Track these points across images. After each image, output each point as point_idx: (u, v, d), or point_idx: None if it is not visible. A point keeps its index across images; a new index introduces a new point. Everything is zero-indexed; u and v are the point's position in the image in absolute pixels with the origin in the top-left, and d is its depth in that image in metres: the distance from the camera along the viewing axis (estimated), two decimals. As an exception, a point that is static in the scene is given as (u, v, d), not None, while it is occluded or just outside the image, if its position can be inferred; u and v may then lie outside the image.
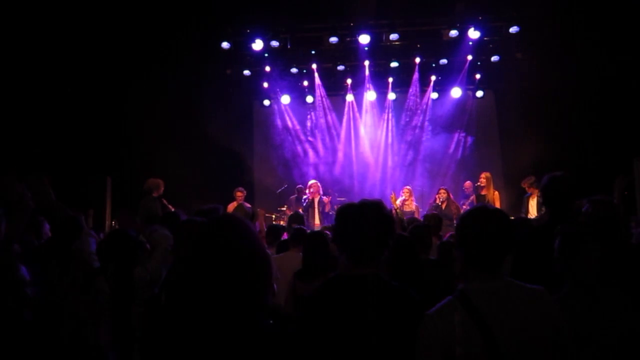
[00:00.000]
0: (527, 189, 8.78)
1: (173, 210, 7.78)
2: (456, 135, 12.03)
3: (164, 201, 8.08)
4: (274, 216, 10.14)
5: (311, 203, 9.36)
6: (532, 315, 1.82)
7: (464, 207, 9.16)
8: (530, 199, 8.68)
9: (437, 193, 9.07)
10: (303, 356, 2.00)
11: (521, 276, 2.00)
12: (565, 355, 1.83)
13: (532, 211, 8.48)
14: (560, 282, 2.31)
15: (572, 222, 2.64)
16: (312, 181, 9.74)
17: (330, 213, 9.24)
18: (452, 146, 12.01)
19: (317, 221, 9.10)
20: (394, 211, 7.79)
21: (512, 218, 3.17)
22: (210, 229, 1.66)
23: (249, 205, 9.50)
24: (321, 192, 9.57)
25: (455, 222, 8.27)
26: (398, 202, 9.16)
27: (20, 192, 2.89)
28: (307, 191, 9.54)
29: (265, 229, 6.29)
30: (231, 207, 9.54)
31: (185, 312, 1.58)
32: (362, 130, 12.28)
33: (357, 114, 12.29)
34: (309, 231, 4.91)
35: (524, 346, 1.78)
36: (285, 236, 5.96)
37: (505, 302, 1.83)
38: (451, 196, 9.05)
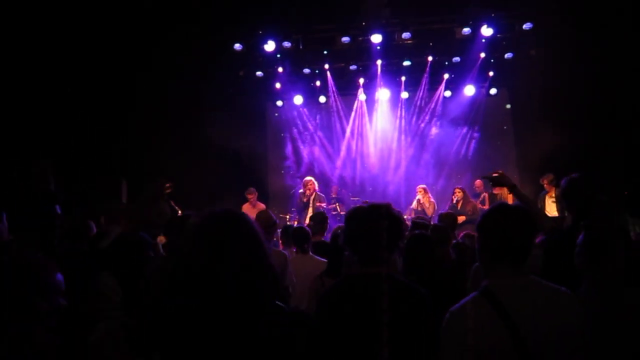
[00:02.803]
0: (545, 186, 8.71)
1: (180, 212, 7.87)
2: (470, 133, 11.97)
3: (172, 203, 8.14)
4: (288, 216, 10.16)
5: (308, 201, 9.28)
6: (556, 313, 1.82)
7: (477, 205, 9.13)
8: (548, 196, 8.61)
9: (453, 193, 9.04)
10: (316, 351, 2.05)
11: (549, 279, 1.99)
12: (586, 355, 1.82)
13: (549, 209, 8.41)
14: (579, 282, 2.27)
15: (596, 220, 2.59)
16: (307, 178, 9.66)
17: (325, 208, 9.14)
18: (466, 144, 11.95)
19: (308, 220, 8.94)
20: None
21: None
22: (206, 224, 1.63)
23: (262, 205, 9.53)
24: (317, 189, 9.50)
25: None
26: (414, 203, 9.19)
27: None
28: (303, 189, 9.43)
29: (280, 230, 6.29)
30: (245, 208, 9.56)
31: (183, 313, 1.55)
32: (375, 130, 12.27)
33: (370, 113, 12.28)
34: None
35: (548, 343, 1.78)
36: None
37: (530, 298, 1.84)
38: (468, 195, 9.02)
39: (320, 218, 5.68)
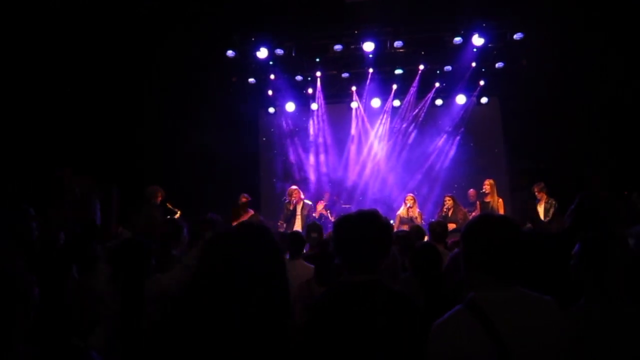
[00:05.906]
0: (536, 194, 8.77)
1: (179, 213, 7.84)
2: (461, 142, 12.01)
3: (169, 205, 8.08)
4: (278, 223, 10.12)
5: (294, 210, 9.25)
6: (542, 325, 1.81)
7: (469, 214, 9.14)
8: (538, 205, 8.66)
9: (443, 201, 9.06)
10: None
11: (535, 286, 1.97)
12: None
13: (541, 216, 8.46)
14: (575, 292, 2.21)
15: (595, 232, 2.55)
16: (292, 187, 9.61)
17: (315, 217, 9.17)
18: (457, 152, 11.99)
19: (298, 227, 8.78)
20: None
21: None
22: (224, 241, 1.66)
23: (252, 212, 9.49)
24: (303, 197, 9.47)
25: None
26: (402, 211, 9.20)
27: None
28: (289, 198, 9.39)
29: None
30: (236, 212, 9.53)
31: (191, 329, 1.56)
32: (367, 137, 12.29)
33: (362, 121, 12.30)
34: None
35: (534, 355, 1.77)
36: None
37: (516, 310, 1.82)
38: (458, 203, 9.03)
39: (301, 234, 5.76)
